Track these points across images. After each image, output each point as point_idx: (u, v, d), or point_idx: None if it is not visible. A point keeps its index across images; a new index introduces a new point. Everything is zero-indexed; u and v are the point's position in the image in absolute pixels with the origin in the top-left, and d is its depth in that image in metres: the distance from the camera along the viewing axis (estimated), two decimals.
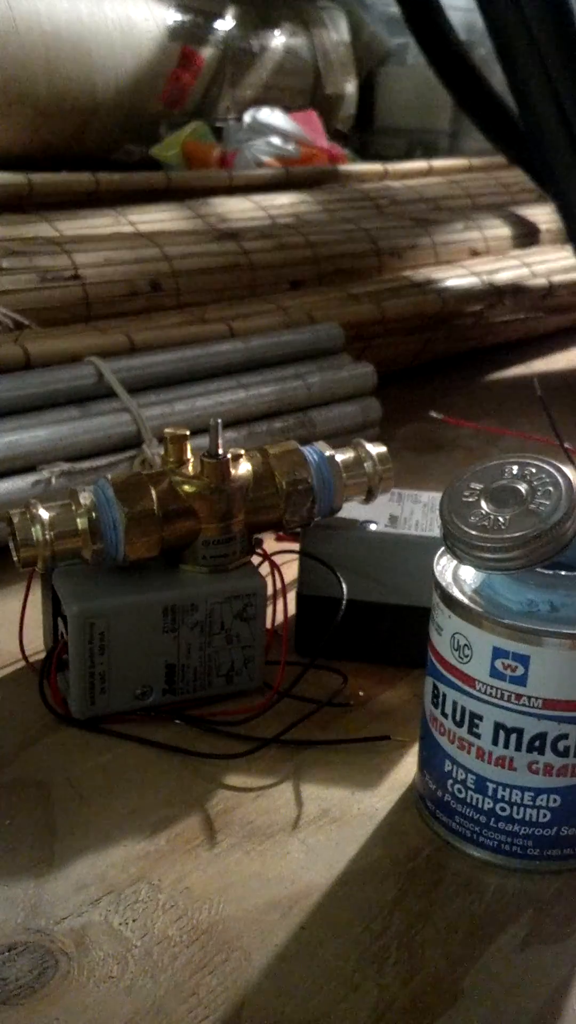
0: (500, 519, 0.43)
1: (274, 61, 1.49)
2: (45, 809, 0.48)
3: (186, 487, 0.53)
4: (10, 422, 0.71)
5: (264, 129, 1.37)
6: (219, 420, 0.53)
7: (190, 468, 0.54)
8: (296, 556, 0.59)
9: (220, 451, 0.54)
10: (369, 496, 0.59)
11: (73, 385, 0.75)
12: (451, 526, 0.44)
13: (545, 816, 0.44)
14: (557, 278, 1.18)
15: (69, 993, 0.38)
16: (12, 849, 0.45)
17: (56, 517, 0.52)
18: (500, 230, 1.26)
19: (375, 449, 0.59)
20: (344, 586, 0.56)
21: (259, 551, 0.57)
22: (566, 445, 0.48)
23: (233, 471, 0.54)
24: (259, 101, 1.45)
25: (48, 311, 0.86)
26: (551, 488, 0.43)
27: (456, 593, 0.44)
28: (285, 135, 1.37)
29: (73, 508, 0.52)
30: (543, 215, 1.32)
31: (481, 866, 0.45)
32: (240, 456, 0.55)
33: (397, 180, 1.33)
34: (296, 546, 0.59)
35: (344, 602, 0.55)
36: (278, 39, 1.49)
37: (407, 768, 0.52)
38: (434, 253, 1.16)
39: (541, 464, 0.45)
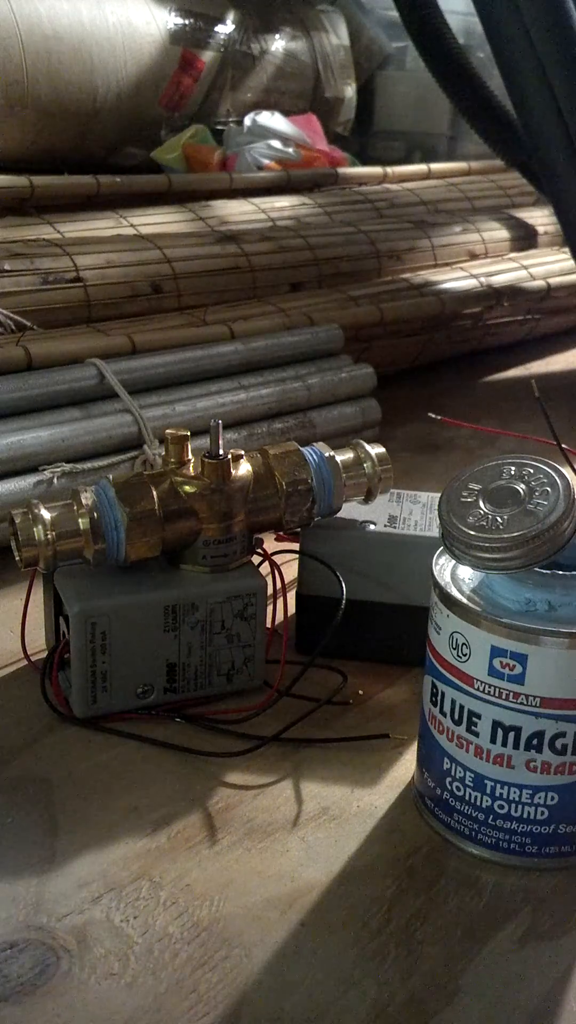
0: (498, 519, 0.43)
1: (274, 65, 1.49)
2: (47, 807, 0.48)
3: (187, 487, 0.54)
4: (12, 423, 0.71)
5: (264, 132, 1.37)
6: (220, 421, 0.54)
7: (191, 469, 0.54)
8: (296, 556, 0.59)
9: (221, 452, 0.54)
10: (368, 496, 0.59)
11: (75, 386, 0.75)
12: (449, 526, 0.44)
13: (543, 814, 0.44)
14: (555, 280, 1.19)
15: (70, 990, 0.38)
16: (14, 847, 0.45)
17: (58, 517, 0.52)
18: (498, 233, 1.26)
19: (374, 450, 0.59)
20: (344, 586, 0.56)
21: (259, 551, 0.57)
22: (563, 446, 0.48)
23: (233, 472, 0.54)
24: (259, 104, 1.46)
25: (50, 313, 0.86)
26: (549, 488, 0.44)
27: (454, 592, 0.44)
28: (285, 138, 1.37)
29: (75, 508, 0.53)
30: (541, 218, 1.33)
31: (479, 863, 0.46)
32: (240, 457, 0.56)
33: (396, 183, 1.33)
34: (296, 546, 0.59)
35: (343, 602, 0.55)
36: (278, 43, 1.50)
37: (406, 766, 0.52)
38: (433, 256, 1.17)
39: (539, 464, 0.45)
